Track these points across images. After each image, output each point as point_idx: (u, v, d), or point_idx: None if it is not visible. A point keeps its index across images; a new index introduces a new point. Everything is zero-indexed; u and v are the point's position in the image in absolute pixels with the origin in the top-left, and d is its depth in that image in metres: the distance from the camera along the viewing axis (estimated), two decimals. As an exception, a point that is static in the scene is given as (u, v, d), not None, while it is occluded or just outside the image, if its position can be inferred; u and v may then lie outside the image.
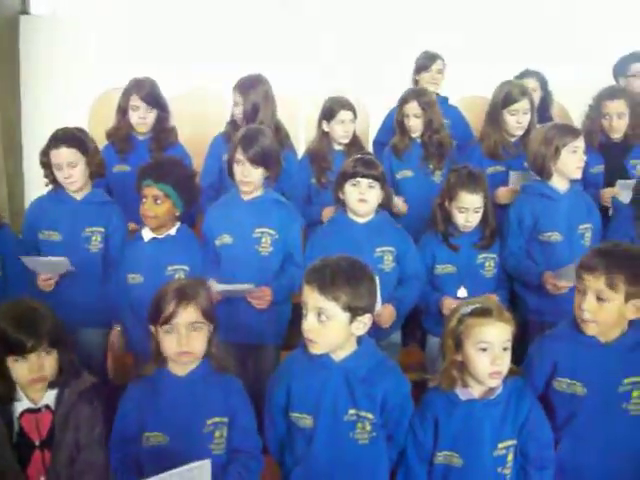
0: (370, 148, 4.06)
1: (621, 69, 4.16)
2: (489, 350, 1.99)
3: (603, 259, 2.10)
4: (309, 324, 1.96)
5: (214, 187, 3.33)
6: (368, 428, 2.04)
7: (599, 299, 2.08)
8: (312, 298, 1.96)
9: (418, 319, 3.11)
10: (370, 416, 2.04)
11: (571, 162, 2.92)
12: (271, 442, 2.17)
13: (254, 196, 2.87)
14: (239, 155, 2.81)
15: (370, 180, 2.76)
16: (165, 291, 2.09)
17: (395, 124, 3.55)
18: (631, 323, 2.16)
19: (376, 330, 2.64)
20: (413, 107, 3.44)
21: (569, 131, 2.96)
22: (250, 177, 2.81)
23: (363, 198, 2.76)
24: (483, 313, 2.01)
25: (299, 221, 2.94)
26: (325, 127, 3.52)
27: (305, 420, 2.05)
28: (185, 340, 2.05)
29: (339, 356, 2.04)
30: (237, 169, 2.82)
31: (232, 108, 3.47)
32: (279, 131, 3.41)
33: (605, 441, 2.14)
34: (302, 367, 2.07)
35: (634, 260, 2.12)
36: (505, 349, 2.01)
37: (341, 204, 2.85)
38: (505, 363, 2.01)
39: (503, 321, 2.01)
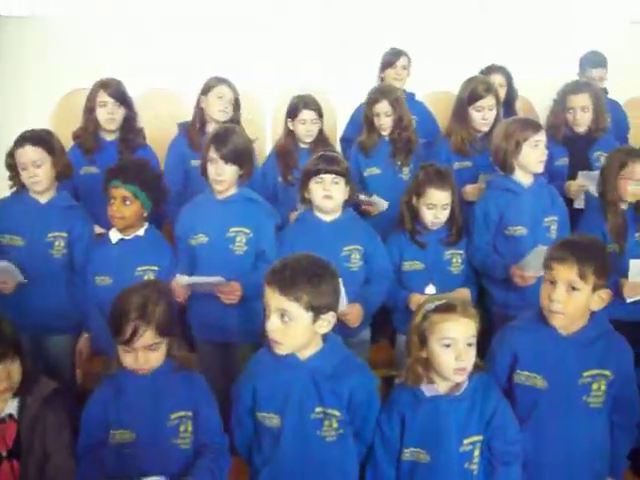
0: (338, 145, 4.08)
1: (583, 69, 4.26)
2: (453, 346, 2.00)
3: (574, 250, 2.12)
4: (272, 325, 1.96)
5: (179, 191, 3.31)
6: (335, 425, 2.05)
7: (569, 289, 2.11)
8: (274, 299, 1.95)
9: (388, 316, 3.12)
10: (337, 413, 2.04)
11: (532, 156, 2.93)
12: (239, 442, 2.18)
13: (228, 195, 2.86)
14: (212, 154, 2.80)
15: (334, 176, 2.75)
16: (126, 307, 2.05)
17: (363, 121, 3.55)
18: (592, 315, 2.20)
19: (345, 328, 2.69)
20: (384, 106, 3.46)
21: (530, 125, 2.96)
22: (224, 175, 2.80)
23: (328, 194, 2.76)
24: (447, 309, 2.02)
25: (274, 219, 2.93)
26: (290, 125, 3.53)
27: (272, 419, 2.06)
28: (142, 360, 2.07)
29: (305, 355, 2.04)
30: (210, 168, 2.81)
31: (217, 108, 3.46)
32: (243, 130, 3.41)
33: (565, 434, 2.17)
34: (268, 367, 2.07)
35: (600, 251, 2.19)
36: (470, 345, 2.02)
37: (307, 203, 2.85)
38: (470, 359, 2.02)
39: (467, 317, 2.02)
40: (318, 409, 2.04)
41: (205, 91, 3.50)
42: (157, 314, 2.05)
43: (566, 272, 2.10)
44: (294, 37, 4.65)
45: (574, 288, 2.10)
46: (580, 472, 2.21)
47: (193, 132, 3.45)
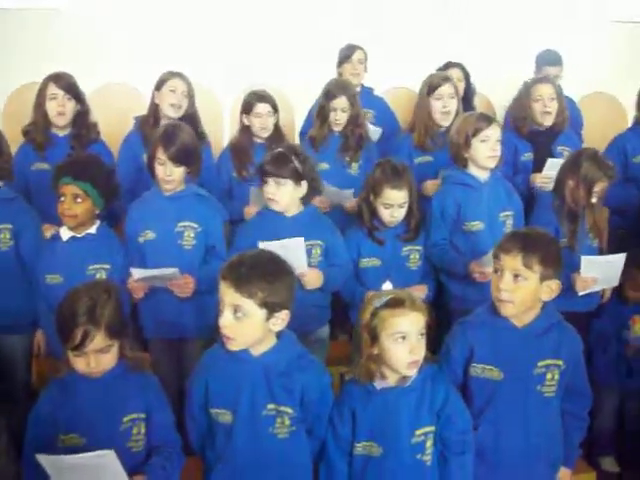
0: (297, 140, 4.07)
1: (538, 67, 4.34)
2: (406, 340, 1.99)
3: (519, 240, 2.16)
4: (225, 320, 1.94)
5: (131, 187, 3.24)
6: (287, 422, 2.03)
7: (516, 278, 2.13)
8: (228, 295, 1.93)
9: (346, 312, 3.10)
10: (289, 410, 2.03)
11: (482, 151, 2.91)
12: (194, 438, 2.15)
13: (176, 191, 2.84)
14: (160, 154, 2.76)
15: (277, 179, 2.71)
16: (74, 312, 1.98)
17: (316, 115, 3.54)
18: (544, 307, 2.22)
19: (305, 325, 2.65)
20: (342, 102, 3.45)
21: (480, 120, 2.94)
22: (172, 176, 2.78)
23: (272, 198, 2.74)
24: (396, 304, 2.01)
25: (221, 214, 2.92)
26: (245, 121, 3.50)
27: (224, 416, 2.03)
28: (94, 363, 2.00)
29: (258, 351, 2.02)
30: (159, 168, 2.78)
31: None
32: (197, 126, 3.39)
33: (522, 424, 2.19)
34: (220, 362, 2.05)
35: (547, 242, 2.22)
36: (421, 337, 2.02)
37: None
38: (422, 351, 2.02)
39: (416, 310, 2.01)
40: (270, 406, 2.02)
41: (158, 86, 3.45)
42: (106, 316, 1.99)
43: (511, 261, 2.13)
44: (253, 32, 4.61)
45: (520, 277, 2.13)
46: (536, 461, 2.23)
47: (147, 128, 3.39)
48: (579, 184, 2.97)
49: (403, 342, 1.99)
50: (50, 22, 4.42)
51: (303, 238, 2.62)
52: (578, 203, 2.99)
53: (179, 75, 3.46)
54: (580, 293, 2.87)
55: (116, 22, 4.49)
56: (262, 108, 3.45)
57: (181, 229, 2.79)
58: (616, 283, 3.02)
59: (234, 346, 1.98)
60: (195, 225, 2.80)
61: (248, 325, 1.95)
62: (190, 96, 3.47)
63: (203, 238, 2.81)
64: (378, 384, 2.06)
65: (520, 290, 2.14)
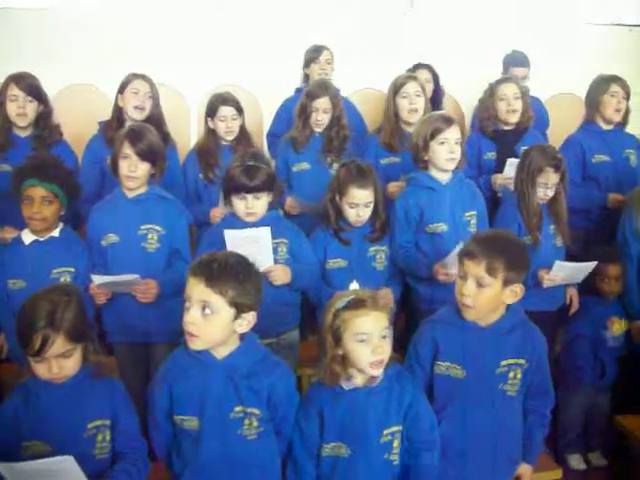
0: (264, 140, 4.05)
1: (506, 68, 4.38)
2: (368, 340, 1.99)
3: (483, 245, 2.16)
4: (192, 317, 1.92)
5: (94, 190, 3.22)
6: (255, 424, 2.02)
7: (479, 285, 2.14)
8: (197, 290, 1.92)
9: (315, 313, 3.09)
10: (257, 412, 2.02)
11: (440, 153, 2.90)
12: (158, 446, 2.12)
13: (138, 193, 2.82)
14: (126, 150, 2.74)
15: (257, 193, 2.70)
16: (33, 316, 1.94)
17: (297, 116, 3.52)
18: (508, 307, 2.23)
19: (276, 325, 2.73)
20: (324, 102, 3.44)
21: (439, 121, 2.93)
22: (137, 172, 2.75)
23: (251, 212, 2.73)
24: (357, 305, 2.01)
25: (185, 216, 2.90)
26: (210, 124, 3.48)
27: (190, 422, 2.01)
28: (56, 368, 1.97)
29: (221, 354, 2.01)
30: (123, 164, 2.75)
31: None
32: (162, 127, 3.36)
33: (484, 421, 2.21)
34: (184, 367, 2.03)
35: (512, 247, 2.21)
36: (384, 337, 2.02)
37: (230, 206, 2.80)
38: (386, 351, 2.02)
39: (378, 310, 2.01)
40: (237, 408, 2.01)
41: (121, 88, 3.42)
42: (67, 320, 1.95)
43: (474, 267, 2.13)
44: (221, 33, 4.59)
45: (483, 283, 2.13)
46: (498, 458, 2.25)
47: (110, 131, 3.35)
48: (526, 175, 3.02)
49: (365, 343, 2.00)
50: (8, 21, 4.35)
51: (269, 227, 2.61)
52: (528, 195, 3.03)
53: (142, 77, 3.43)
54: (545, 287, 2.94)
55: (81, 23, 4.45)
56: (226, 111, 3.43)
57: (144, 232, 2.77)
58: (579, 281, 3.09)
59: (197, 345, 1.96)
60: (159, 228, 2.78)
61: (215, 323, 1.94)
62: (154, 97, 3.44)
63: (167, 241, 2.79)
64: (346, 385, 2.06)
65: (483, 296, 2.15)
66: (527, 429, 2.31)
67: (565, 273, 2.98)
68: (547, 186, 3.04)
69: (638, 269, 3.32)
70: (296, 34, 4.49)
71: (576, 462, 3.34)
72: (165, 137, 3.32)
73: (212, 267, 1.93)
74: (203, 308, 1.92)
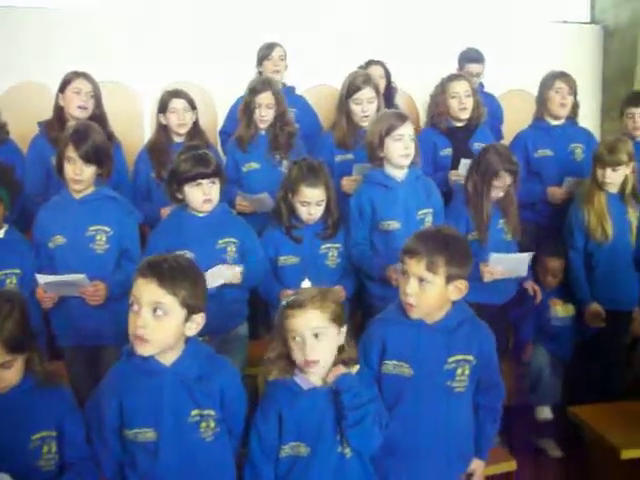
0: (218, 139, 4.02)
1: (461, 65, 4.41)
2: (300, 339, 2.00)
3: (424, 243, 2.13)
4: (143, 320, 1.87)
5: (40, 192, 3.16)
6: (213, 425, 2.00)
7: (421, 283, 2.11)
8: (148, 291, 1.88)
9: (268, 311, 3.09)
10: (213, 413, 2.00)
11: (395, 150, 2.91)
12: (107, 466, 2.04)
13: (86, 194, 2.78)
14: (70, 153, 2.70)
15: (213, 178, 2.70)
16: None
17: (240, 114, 3.49)
18: (454, 303, 2.22)
19: (225, 322, 2.72)
20: (267, 97, 3.41)
21: (393, 118, 2.94)
22: (82, 175, 2.71)
23: (208, 198, 2.71)
24: (293, 304, 2.01)
25: (135, 216, 2.87)
26: (162, 120, 3.44)
27: (146, 434, 1.96)
28: None
29: (169, 359, 1.97)
30: (68, 167, 2.71)
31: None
32: (105, 126, 3.31)
33: (432, 419, 2.20)
34: (132, 379, 1.97)
35: (452, 242, 2.17)
36: (316, 336, 1.99)
37: (179, 202, 2.77)
38: (319, 351, 2.00)
39: (314, 308, 1.99)
40: (194, 412, 1.98)
41: (62, 87, 3.35)
42: (6, 330, 1.88)
43: (416, 266, 2.11)
44: (174, 30, 4.54)
45: (425, 281, 2.11)
46: (447, 455, 2.25)
47: (52, 131, 3.29)
48: (481, 177, 3.06)
49: (297, 342, 2.00)
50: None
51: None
52: (480, 196, 3.06)
53: (83, 75, 3.36)
54: (486, 281, 2.96)
55: (30, 20, 4.34)
56: (177, 103, 3.40)
57: (92, 233, 2.73)
58: (524, 274, 3.12)
59: (148, 350, 1.91)
60: (107, 228, 2.74)
61: (167, 325, 1.90)
62: (96, 97, 3.38)
63: (116, 242, 2.76)
64: (304, 384, 2.05)
65: (425, 294, 2.13)
66: (478, 425, 2.31)
67: (504, 266, 3.00)
68: (501, 188, 3.09)
69: (584, 260, 3.41)
70: (251, 32, 4.45)
71: (552, 449, 3.44)
72: (109, 136, 3.27)
73: (163, 267, 1.89)
74: (154, 310, 1.88)
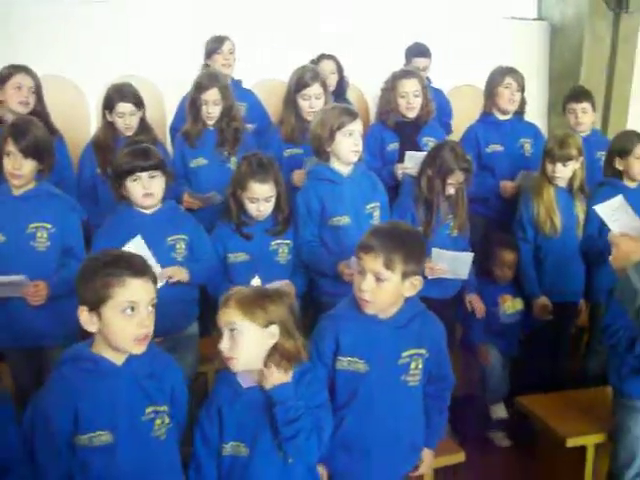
0: (167, 134, 3.96)
1: (408, 59, 4.44)
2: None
3: (380, 239, 2.12)
4: (149, 319, 1.89)
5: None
6: (167, 421, 1.99)
7: (378, 280, 2.11)
8: (146, 290, 1.88)
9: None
10: (166, 408, 1.99)
11: (345, 145, 2.89)
12: (54, 476, 1.96)
13: (26, 190, 2.71)
14: (9, 147, 2.63)
15: (151, 172, 2.65)
16: None
17: (187, 111, 3.45)
18: (407, 299, 2.22)
19: (175, 323, 2.70)
20: (213, 94, 3.37)
21: (345, 113, 2.92)
22: (22, 170, 2.65)
23: (148, 192, 2.66)
24: (223, 299, 2.01)
25: (77, 212, 2.81)
26: (108, 117, 3.38)
27: (101, 437, 1.91)
28: None
29: (121, 359, 1.94)
30: (7, 161, 2.65)
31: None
32: (48, 121, 3.24)
33: (387, 413, 2.21)
34: (85, 383, 1.91)
35: (409, 239, 2.17)
36: (232, 331, 1.98)
37: (125, 200, 2.72)
38: (234, 348, 1.97)
39: (234, 304, 1.98)
40: (149, 410, 1.96)
41: (1, 81, 3.25)
42: None
43: (372, 263, 2.10)
44: (121, 25, 4.44)
45: (382, 278, 2.10)
46: (401, 447, 2.27)
47: None
48: (435, 174, 3.09)
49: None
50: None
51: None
52: (433, 192, 3.09)
53: (24, 69, 3.28)
54: (429, 277, 2.96)
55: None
56: (123, 108, 3.33)
57: (33, 230, 2.67)
58: (465, 277, 3.15)
59: (144, 347, 1.91)
60: (48, 226, 2.68)
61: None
62: (38, 92, 3.29)
63: (58, 239, 2.70)
64: (245, 382, 2.03)
65: (382, 291, 2.12)
66: (427, 415, 2.34)
67: (446, 263, 3.02)
68: (455, 185, 3.12)
69: (534, 253, 3.47)
70: (199, 24, 4.39)
71: (501, 439, 3.50)
72: (52, 131, 3.20)
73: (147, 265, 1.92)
74: (131, 309, 1.86)
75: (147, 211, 2.72)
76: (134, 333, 1.88)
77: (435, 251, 2.94)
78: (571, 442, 2.86)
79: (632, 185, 3.41)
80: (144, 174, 2.64)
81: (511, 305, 3.47)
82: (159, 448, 1.99)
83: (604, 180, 3.48)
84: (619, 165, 3.40)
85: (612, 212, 2.04)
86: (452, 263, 3.04)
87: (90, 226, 2.98)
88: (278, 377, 1.98)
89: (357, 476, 2.27)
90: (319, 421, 2.03)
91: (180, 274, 2.68)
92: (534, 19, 5.68)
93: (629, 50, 5.39)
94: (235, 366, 1.99)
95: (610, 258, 1.96)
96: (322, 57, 4.15)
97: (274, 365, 1.99)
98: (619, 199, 2.11)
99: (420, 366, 2.23)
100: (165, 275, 2.58)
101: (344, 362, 2.20)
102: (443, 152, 3.10)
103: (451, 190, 3.12)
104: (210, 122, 3.42)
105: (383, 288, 2.12)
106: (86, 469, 1.93)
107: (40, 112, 3.25)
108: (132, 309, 1.87)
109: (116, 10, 4.46)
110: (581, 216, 3.43)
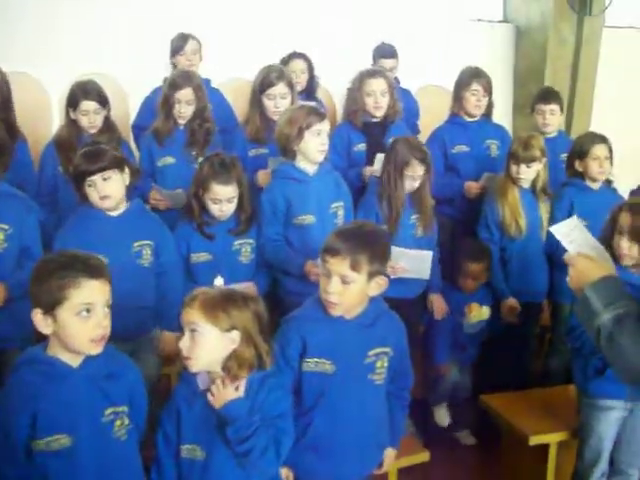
0: (130, 132, 3.91)
1: (375, 60, 4.44)
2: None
3: (346, 241, 2.11)
4: (106, 320, 1.88)
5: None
6: (126, 422, 1.97)
7: (344, 282, 2.10)
8: (103, 292, 1.87)
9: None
10: (125, 409, 1.97)
11: (313, 144, 2.88)
12: None
13: None
14: None
15: (102, 173, 2.58)
16: None
17: (159, 108, 3.41)
18: (371, 298, 2.23)
19: (138, 329, 2.66)
20: (187, 94, 3.34)
21: (314, 113, 2.91)
22: None
23: (104, 195, 2.60)
24: (187, 298, 1.98)
25: (35, 213, 2.75)
26: (72, 115, 3.32)
27: (59, 440, 1.87)
28: None
29: (77, 360, 1.91)
30: None
31: None
32: (8, 120, 3.16)
33: (355, 413, 2.21)
34: (42, 386, 1.87)
35: (374, 239, 2.18)
36: (192, 332, 1.95)
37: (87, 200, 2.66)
38: (192, 348, 1.94)
39: (196, 304, 1.95)
40: (108, 411, 1.93)
41: None
42: None
43: (339, 266, 2.09)
44: (84, 21, 4.36)
45: (348, 280, 2.10)
46: (368, 446, 2.28)
47: None
48: (393, 168, 3.09)
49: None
50: None
51: None
52: (394, 187, 3.09)
53: None
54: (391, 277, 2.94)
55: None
56: (88, 106, 3.28)
57: None
58: (427, 277, 3.16)
59: (100, 348, 1.88)
60: (5, 226, 2.62)
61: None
62: (0, 90, 3.21)
63: (15, 240, 2.64)
64: (202, 384, 2.00)
65: (348, 292, 2.12)
66: (390, 413, 2.34)
67: (406, 262, 3.02)
68: (414, 178, 3.11)
69: (499, 254, 3.49)
70: (165, 22, 4.33)
71: (466, 438, 3.54)
72: (12, 129, 3.12)
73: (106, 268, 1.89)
74: (87, 311, 1.84)
75: (112, 213, 2.67)
76: (90, 335, 1.86)
77: (394, 249, 2.92)
78: (534, 440, 2.89)
79: (594, 186, 3.48)
80: (97, 177, 2.57)
81: (477, 315, 3.44)
82: (120, 449, 1.96)
83: (567, 180, 3.54)
84: (579, 167, 3.46)
85: (568, 232, 2.04)
86: (412, 262, 3.04)
87: (48, 227, 2.93)
88: (228, 393, 1.92)
89: (324, 476, 2.27)
90: (278, 433, 1.98)
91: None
92: (500, 21, 5.73)
93: (592, 52, 5.48)
94: (192, 366, 1.97)
95: (567, 279, 1.95)
96: (293, 55, 4.14)
97: (226, 376, 1.94)
98: (574, 220, 2.11)
99: (385, 364, 2.25)
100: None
101: (311, 364, 2.20)
102: (397, 145, 3.12)
103: (413, 184, 3.12)
104: (182, 121, 3.39)
105: (350, 290, 2.12)
106: (45, 475, 1.89)
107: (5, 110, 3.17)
108: (88, 311, 1.84)
109: (81, 7, 4.39)
110: (545, 217, 3.46)
